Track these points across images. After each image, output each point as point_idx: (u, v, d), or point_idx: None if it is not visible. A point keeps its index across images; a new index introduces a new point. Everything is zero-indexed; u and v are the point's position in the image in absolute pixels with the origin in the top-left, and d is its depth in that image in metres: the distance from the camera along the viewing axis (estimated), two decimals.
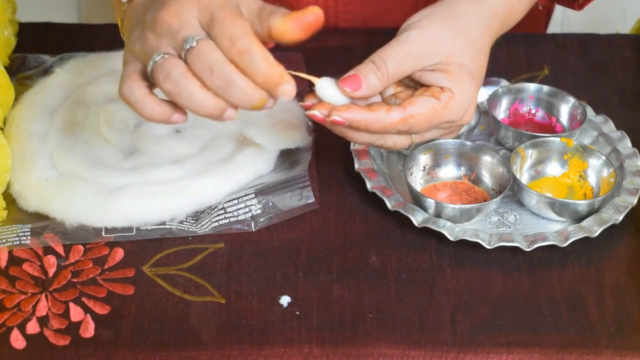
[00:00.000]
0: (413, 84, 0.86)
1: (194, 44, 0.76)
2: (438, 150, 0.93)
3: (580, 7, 1.01)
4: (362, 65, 0.84)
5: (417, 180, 0.93)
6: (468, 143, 0.93)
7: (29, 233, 0.88)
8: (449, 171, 0.94)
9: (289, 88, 0.77)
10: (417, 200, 0.90)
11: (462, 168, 0.94)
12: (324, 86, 0.84)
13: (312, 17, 0.78)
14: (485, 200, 0.92)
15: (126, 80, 0.78)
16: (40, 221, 0.89)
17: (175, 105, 0.78)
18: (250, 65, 0.75)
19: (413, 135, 0.85)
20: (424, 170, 0.94)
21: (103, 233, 0.88)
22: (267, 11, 0.79)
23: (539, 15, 1.26)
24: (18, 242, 0.87)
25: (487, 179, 0.93)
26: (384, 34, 1.13)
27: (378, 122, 0.82)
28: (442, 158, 0.94)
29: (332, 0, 1.13)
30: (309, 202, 0.91)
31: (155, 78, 0.77)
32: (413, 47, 0.84)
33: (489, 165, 0.93)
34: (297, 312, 0.82)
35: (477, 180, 0.94)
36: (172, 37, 0.77)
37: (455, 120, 0.85)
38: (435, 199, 0.89)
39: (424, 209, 0.89)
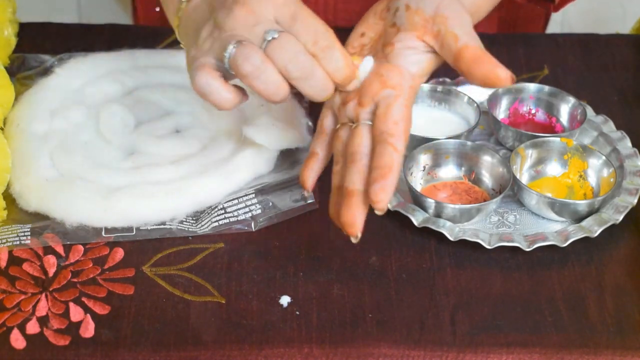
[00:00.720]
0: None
1: (276, 35, 0.77)
2: (438, 150, 0.93)
3: (556, 8, 1.01)
4: None
5: (417, 180, 0.93)
6: (468, 143, 0.93)
7: (29, 233, 0.88)
8: (449, 171, 0.94)
9: (357, 83, 0.80)
10: (417, 200, 0.90)
11: (462, 168, 0.94)
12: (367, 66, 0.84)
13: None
14: (485, 200, 0.92)
15: (201, 72, 0.79)
16: (40, 221, 0.89)
17: (242, 90, 0.80)
18: (331, 64, 0.78)
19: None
20: (423, 170, 0.94)
21: (103, 233, 0.88)
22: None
23: (537, 15, 1.26)
24: (18, 242, 0.87)
25: (487, 179, 0.93)
26: None
27: None
28: (442, 158, 0.94)
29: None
30: (309, 202, 0.91)
31: (234, 62, 0.77)
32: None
33: (489, 165, 0.93)
34: (297, 312, 0.82)
35: (477, 180, 0.94)
36: (249, 30, 0.78)
37: None
38: (435, 199, 0.89)
39: (424, 209, 0.89)
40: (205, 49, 0.80)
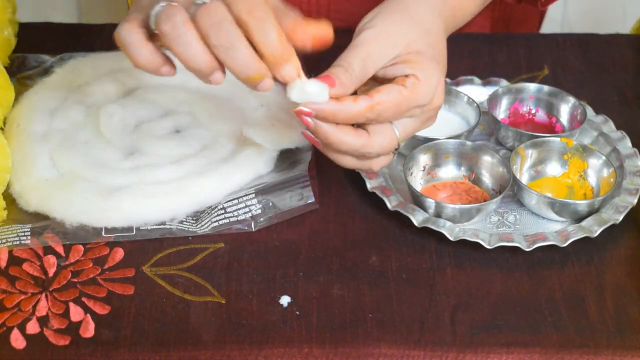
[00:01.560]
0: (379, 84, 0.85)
1: (207, 0, 0.76)
2: (438, 150, 0.93)
3: (543, 5, 1.02)
4: (332, 69, 0.82)
5: (417, 180, 0.93)
6: (468, 143, 0.93)
7: (29, 233, 0.88)
8: (449, 171, 0.94)
9: (292, 70, 0.77)
10: (417, 200, 0.90)
11: (462, 168, 0.94)
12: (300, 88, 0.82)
13: (321, 32, 0.79)
14: (485, 200, 0.92)
15: (125, 24, 0.78)
16: (40, 221, 0.89)
17: (167, 59, 0.78)
18: (261, 34, 0.75)
19: (398, 134, 0.84)
20: (423, 170, 0.94)
21: (103, 233, 0.88)
22: (281, 11, 0.79)
23: (531, 15, 1.26)
24: (18, 242, 0.87)
25: (487, 179, 0.93)
26: None
27: (345, 110, 0.80)
28: (442, 158, 0.94)
29: (325, 0, 1.13)
30: (309, 202, 0.91)
31: (157, 20, 0.77)
32: (370, 47, 0.83)
33: (489, 165, 0.93)
34: (297, 312, 0.82)
35: (477, 180, 0.94)
36: None
37: (425, 104, 0.83)
38: (435, 199, 0.89)
39: (424, 209, 0.89)
40: (143, 5, 0.79)
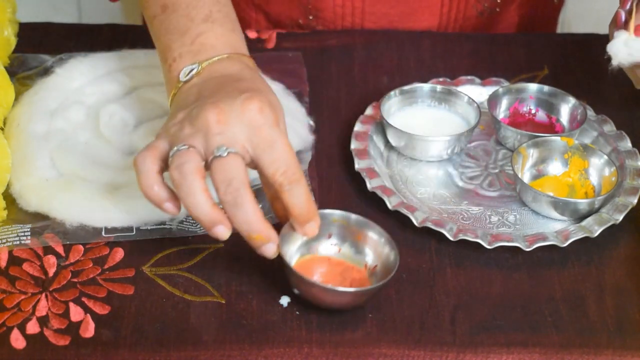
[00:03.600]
0: None
1: (225, 154, 0.78)
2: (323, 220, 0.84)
3: None
4: None
5: (293, 255, 0.85)
6: (352, 217, 0.85)
7: (29, 233, 0.88)
8: (327, 246, 0.86)
9: (314, 228, 0.80)
10: (292, 277, 0.82)
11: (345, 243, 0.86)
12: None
13: (306, 231, 0.81)
14: (360, 285, 0.83)
15: (145, 150, 0.81)
16: (40, 221, 0.89)
17: (173, 196, 0.80)
18: (292, 196, 0.79)
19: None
20: (303, 244, 0.86)
21: (103, 233, 0.88)
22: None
23: (553, 15, 1.26)
24: (18, 242, 0.87)
25: (370, 256, 0.85)
26: (383, 34, 1.13)
27: None
28: (325, 234, 0.85)
29: (359, 1, 1.13)
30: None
31: (170, 163, 0.79)
32: None
33: (373, 243, 0.85)
34: (297, 312, 0.82)
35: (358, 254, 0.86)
36: (209, 137, 0.79)
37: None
38: (309, 276, 0.82)
39: (294, 285, 0.82)
40: (170, 133, 0.81)
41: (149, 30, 0.93)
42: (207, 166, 0.80)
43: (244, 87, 0.83)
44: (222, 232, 0.79)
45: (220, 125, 0.80)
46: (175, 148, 0.80)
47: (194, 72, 0.86)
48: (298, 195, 0.79)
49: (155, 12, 0.91)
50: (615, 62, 0.91)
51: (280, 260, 0.81)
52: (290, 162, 0.79)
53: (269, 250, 0.80)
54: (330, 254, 0.85)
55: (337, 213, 0.85)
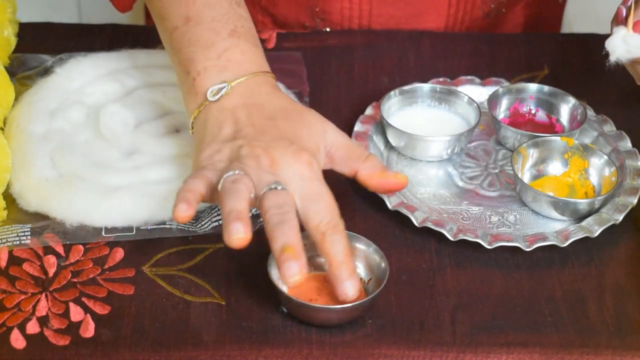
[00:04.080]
0: None
1: (280, 187, 0.80)
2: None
3: None
4: None
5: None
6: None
7: (29, 233, 0.88)
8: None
9: (352, 289, 0.79)
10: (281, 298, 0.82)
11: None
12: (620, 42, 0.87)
13: (395, 184, 0.85)
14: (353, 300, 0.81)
15: (196, 175, 0.81)
16: (40, 221, 0.89)
17: (195, 208, 0.80)
18: (334, 247, 0.79)
19: None
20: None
21: (103, 233, 0.88)
22: (356, 155, 0.85)
23: (557, 14, 1.26)
24: (18, 242, 0.87)
25: (360, 269, 0.85)
26: (383, 34, 1.13)
27: None
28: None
29: (366, 3, 1.13)
30: None
31: (223, 183, 0.80)
32: None
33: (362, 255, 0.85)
34: None
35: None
36: (260, 173, 0.81)
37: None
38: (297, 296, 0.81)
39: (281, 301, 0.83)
40: (217, 167, 0.82)
41: (166, 41, 0.92)
42: (257, 198, 0.80)
43: (286, 132, 0.84)
44: (239, 229, 0.77)
45: (274, 169, 0.81)
46: (231, 172, 0.80)
47: (223, 92, 0.86)
48: (339, 246, 0.79)
49: (177, 24, 0.90)
50: (613, 58, 0.91)
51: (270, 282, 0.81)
52: (334, 214, 0.80)
53: (292, 268, 0.77)
54: (322, 271, 0.84)
55: None
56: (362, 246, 0.85)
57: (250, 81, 0.87)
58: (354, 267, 0.80)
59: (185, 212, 0.79)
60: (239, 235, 0.77)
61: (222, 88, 0.87)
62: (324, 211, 0.80)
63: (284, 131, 0.84)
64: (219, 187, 0.80)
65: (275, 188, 0.80)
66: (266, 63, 0.91)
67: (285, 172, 0.81)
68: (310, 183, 0.81)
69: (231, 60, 0.88)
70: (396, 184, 0.85)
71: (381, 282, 0.82)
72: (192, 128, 0.88)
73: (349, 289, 0.78)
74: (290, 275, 0.76)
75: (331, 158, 0.86)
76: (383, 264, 0.83)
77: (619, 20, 0.90)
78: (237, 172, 0.80)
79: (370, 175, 0.85)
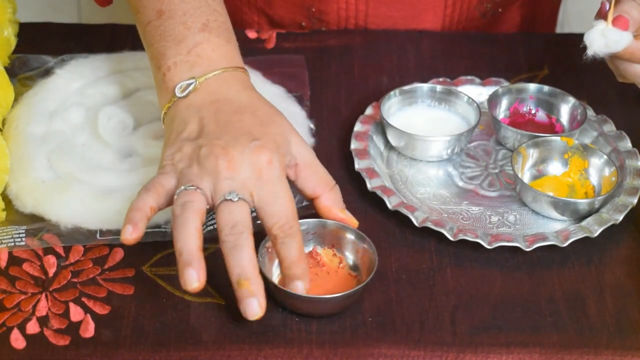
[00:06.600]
0: None
1: (235, 199, 0.80)
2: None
3: None
4: (621, 4, 0.89)
5: (275, 273, 0.85)
6: (329, 222, 0.86)
7: (23, 235, 0.88)
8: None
9: (301, 287, 0.80)
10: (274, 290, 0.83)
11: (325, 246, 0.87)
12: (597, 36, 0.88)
13: (346, 223, 0.86)
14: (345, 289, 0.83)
15: (150, 186, 0.82)
16: (35, 223, 0.89)
17: (142, 229, 0.80)
18: (286, 250, 0.79)
19: None
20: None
21: (98, 235, 0.88)
22: (324, 183, 0.85)
23: (553, 13, 1.26)
24: (13, 244, 0.87)
25: (350, 259, 0.86)
26: (382, 34, 1.13)
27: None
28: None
29: (363, 4, 1.13)
30: (309, 202, 0.91)
31: (175, 200, 0.80)
32: None
33: (352, 245, 0.86)
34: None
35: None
36: (216, 181, 0.81)
37: None
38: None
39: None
40: (177, 168, 0.82)
41: (141, 35, 0.92)
42: (213, 208, 0.81)
43: (250, 128, 0.83)
44: (192, 278, 0.77)
45: (230, 172, 0.81)
46: (183, 187, 0.80)
47: (190, 88, 0.86)
48: (291, 249, 0.79)
49: (150, 18, 0.90)
50: (590, 51, 0.91)
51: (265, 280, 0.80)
52: (289, 217, 0.80)
53: (252, 306, 0.77)
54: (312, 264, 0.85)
55: (311, 222, 0.86)
56: (352, 237, 0.85)
57: (219, 77, 0.87)
58: (305, 267, 0.80)
59: (131, 235, 0.79)
60: (192, 285, 0.77)
61: (190, 84, 0.86)
62: (279, 213, 0.80)
63: (250, 126, 0.84)
64: (174, 199, 0.80)
65: (231, 199, 0.80)
66: (239, 58, 0.90)
67: (242, 173, 0.81)
68: (267, 184, 0.81)
69: (201, 56, 0.88)
70: (347, 224, 0.85)
71: (371, 272, 0.82)
72: (164, 123, 0.88)
73: (298, 288, 0.80)
74: (252, 315, 0.77)
75: (296, 173, 0.85)
76: (372, 254, 0.83)
77: (602, 14, 0.91)
78: (189, 186, 0.80)
79: (329, 208, 0.85)
